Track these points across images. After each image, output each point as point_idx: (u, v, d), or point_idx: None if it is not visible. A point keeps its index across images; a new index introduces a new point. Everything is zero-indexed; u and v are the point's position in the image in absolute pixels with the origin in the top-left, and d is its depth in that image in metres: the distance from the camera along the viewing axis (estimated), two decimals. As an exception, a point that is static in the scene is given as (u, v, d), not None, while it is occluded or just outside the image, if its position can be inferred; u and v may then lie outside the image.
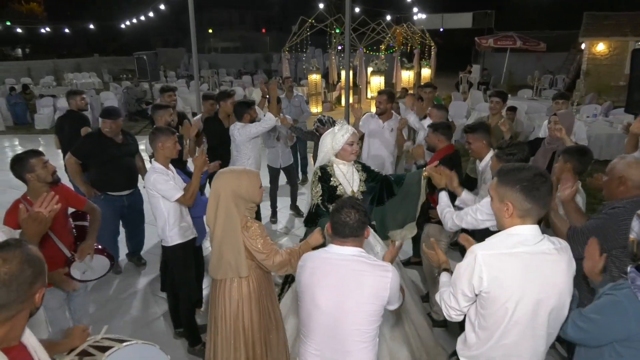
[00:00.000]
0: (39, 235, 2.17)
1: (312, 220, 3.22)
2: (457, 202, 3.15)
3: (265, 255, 2.51)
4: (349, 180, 3.23)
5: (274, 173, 6.06)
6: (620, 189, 2.42)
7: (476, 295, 1.87)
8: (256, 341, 2.64)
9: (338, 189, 3.18)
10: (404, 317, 3.15)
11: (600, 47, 17.75)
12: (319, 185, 3.19)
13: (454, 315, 2.01)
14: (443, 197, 3.01)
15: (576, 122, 5.02)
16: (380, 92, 5.30)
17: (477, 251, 1.84)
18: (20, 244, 1.42)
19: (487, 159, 3.44)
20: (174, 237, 3.39)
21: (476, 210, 2.75)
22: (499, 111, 5.24)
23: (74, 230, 3.16)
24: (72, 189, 3.37)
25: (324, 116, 5.11)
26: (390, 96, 5.08)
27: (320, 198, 3.16)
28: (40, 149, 3.13)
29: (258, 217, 5.30)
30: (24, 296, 1.37)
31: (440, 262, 2.30)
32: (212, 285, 2.72)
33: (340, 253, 2.14)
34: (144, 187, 3.39)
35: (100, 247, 3.15)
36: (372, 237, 3.22)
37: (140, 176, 4.76)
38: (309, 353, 2.21)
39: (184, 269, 3.51)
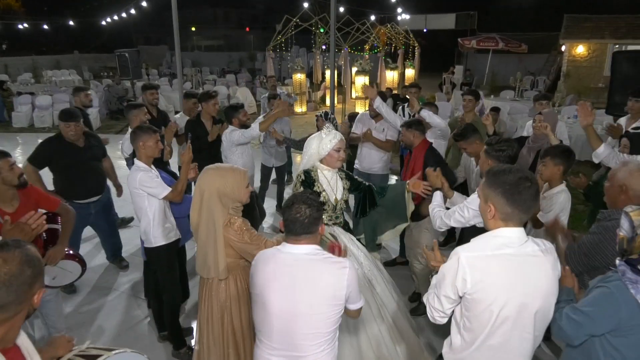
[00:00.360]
0: None
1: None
2: (447, 204, 3.16)
3: (256, 246, 2.43)
4: (332, 187, 3.18)
5: (265, 172, 6.08)
6: (622, 197, 2.37)
7: (460, 297, 1.86)
8: (246, 341, 2.60)
9: (322, 195, 3.12)
10: (383, 320, 3.06)
11: (580, 49, 18.05)
12: (302, 189, 3.12)
13: (437, 317, 1.98)
14: (437, 196, 3.01)
15: (558, 122, 5.11)
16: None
17: (461, 253, 1.83)
18: (19, 244, 1.41)
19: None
20: (157, 239, 3.32)
21: (463, 208, 2.75)
22: (472, 109, 5.37)
23: (44, 234, 2.97)
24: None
25: (328, 113, 5.03)
26: (382, 98, 5.09)
27: None
28: (19, 148, 3.04)
29: (262, 214, 5.30)
30: (23, 297, 1.37)
31: (438, 264, 2.26)
32: (200, 285, 2.67)
33: (293, 252, 2.04)
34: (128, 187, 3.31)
35: (71, 252, 3.04)
36: (355, 246, 3.18)
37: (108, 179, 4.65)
38: (264, 357, 2.13)
39: (168, 270, 3.44)
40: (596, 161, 3.62)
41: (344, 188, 3.24)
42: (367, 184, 3.44)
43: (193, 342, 3.25)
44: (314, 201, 2.08)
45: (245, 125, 4.79)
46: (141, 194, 3.21)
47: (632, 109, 4.87)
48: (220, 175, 2.47)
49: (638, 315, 1.79)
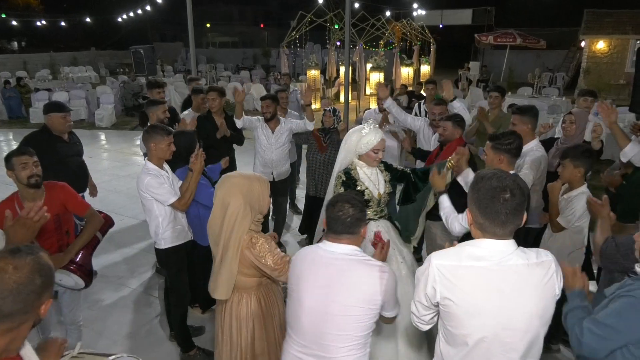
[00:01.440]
0: (23, 242, 2.06)
1: None
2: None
3: (278, 272, 2.29)
4: (374, 182, 3.09)
5: None
6: None
7: (435, 305, 1.75)
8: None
9: (365, 193, 3.02)
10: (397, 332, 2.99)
11: (601, 45, 17.69)
12: (342, 189, 3.02)
13: (417, 323, 1.89)
14: (445, 201, 2.83)
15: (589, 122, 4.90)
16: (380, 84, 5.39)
17: (433, 260, 1.72)
18: (32, 251, 1.34)
19: (530, 145, 3.47)
20: (166, 241, 3.25)
21: None
22: (498, 105, 5.24)
23: (70, 232, 2.96)
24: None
25: (337, 109, 5.02)
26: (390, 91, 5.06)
27: None
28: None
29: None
30: (30, 307, 1.30)
31: None
32: (217, 306, 2.51)
33: (332, 250, 1.99)
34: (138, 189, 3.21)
35: (78, 262, 2.91)
36: (400, 241, 3.12)
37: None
38: (291, 354, 2.07)
39: (176, 273, 3.38)
40: (624, 160, 3.47)
41: (385, 181, 3.15)
42: (407, 170, 3.33)
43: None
44: (358, 201, 2.03)
45: (163, 122, 4.39)
46: (149, 198, 3.13)
47: None
48: (246, 183, 2.31)
49: None
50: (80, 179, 4.27)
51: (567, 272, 1.94)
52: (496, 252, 1.65)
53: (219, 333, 2.49)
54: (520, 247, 1.70)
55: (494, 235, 1.66)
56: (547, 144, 4.09)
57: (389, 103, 4.59)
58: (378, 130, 3.07)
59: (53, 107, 4.04)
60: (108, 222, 3.18)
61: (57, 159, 3.96)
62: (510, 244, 1.67)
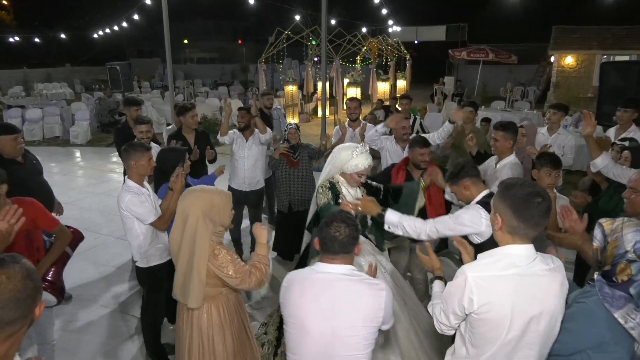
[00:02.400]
0: None
1: (316, 221, 3.07)
2: (446, 196, 3.31)
3: (239, 280, 2.35)
4: (354, 198, 3.11)
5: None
6: None
7: (467, 314, 1.83)
8: None
9: None
10: (415, 331, 3.03)
11: (569, 60, 18.30)
12: (329, 194, 3.03)
13: (445, 330, 1.98)
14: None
15: (538, 133, 5.10)
16: (351, 99, 5.60)
17: (468, 273, 1.80)
18: (15, 259, 1.40)
19: (507, 160, 3.66)
20: (149, 259, 3.25)
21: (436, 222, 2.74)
22: (472, 120, 5.36)
23: (42, 250, 2.93)
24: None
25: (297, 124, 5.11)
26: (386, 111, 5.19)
27: (326, 201, 3.01)
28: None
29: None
30: (28, 311, 1.37)
31: (434, 269, 2.23)
32: (179, 311, 2.54)
33: (330, 272, 2.00)
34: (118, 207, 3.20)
35: (49, 280, 2.89)
36: (379, 254, 3.15)
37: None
38: None
39: (154, 291, 3.37)
40: (594, 170, 3.60)
41: (363, 194, 3.20)
42: (380, 187, 3.37)
43: None
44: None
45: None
46: (130, 216, 3.12)
47: (621, 119, 4.90)
48: (206, 197, 2.36)
49: (617, 330, 1.75)
50: (44, 199, 3.89)
51: (423, 259, 2.22)
52: (523, 258, 1.78)
53: (180, 341, 2.53)
54: (539, 253, 1.84)
55: (525, 237, 1.78)
56: None
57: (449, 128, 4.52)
58: (369, 155, 3.10)
59: (2, 130, 3.76)
60: (77, 237, 3.15)
61: (14, 183, 3.57)
62: (532, 248, 1.81)
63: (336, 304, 1.95)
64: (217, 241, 2.40)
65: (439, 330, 2.01)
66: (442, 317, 1.94)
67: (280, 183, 5.02)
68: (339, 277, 1.99)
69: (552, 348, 1.90)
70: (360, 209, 2.85)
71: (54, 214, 4.08)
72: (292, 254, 5.08)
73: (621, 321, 1.73)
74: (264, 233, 2.55)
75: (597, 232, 1.89)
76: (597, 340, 1.79)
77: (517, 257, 1.78)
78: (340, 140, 5.06)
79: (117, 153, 4.93)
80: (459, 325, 1.94)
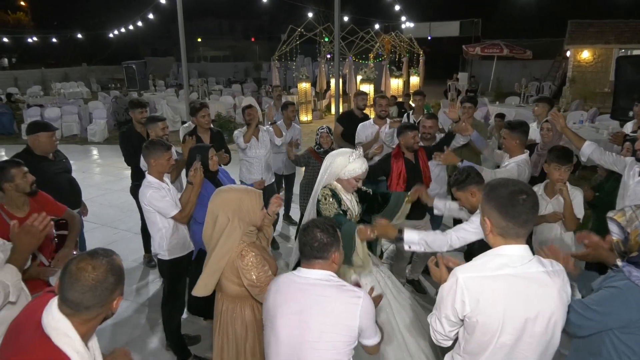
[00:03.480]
0: (30, 248, 2.15)
1: None
2: (435, 211, 3.38)
3: (259, 290, 2.31)
4: (351, 204, 3.14)
5: (276, 180, 5.91)
6: None
7: (461, 319, 1.81)
8: None
9: (347, 213, 3.04)
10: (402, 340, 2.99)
11: (585, 54, 18.06)
12: (335, 203, 3.01)
13: (440, 340, 1.93)
14: (412, 235, 2.84)
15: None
16: (382, 97, 5.63)
17: (459, 274, 1.77)
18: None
19: (517, 158, 3.68)
20: (171, 252, 3.34)
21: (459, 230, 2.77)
22: (471, 115, 5.43)
23: (56, 239, 3.10)
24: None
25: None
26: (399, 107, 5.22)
27: (336, 212, 3.00)
28: (28, 160, 3.08)
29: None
30: (104, 301, 1.54)
31: (442, 280, 2.17)
32: (216, 309, 2.56)
33: (306, 277, 1.98)
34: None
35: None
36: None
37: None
38: None
39: (175, 283, 3.46)
40: (583, 159, 3.64)
41: (356, 202, 3.21)
42: (370, 192, 3.39)
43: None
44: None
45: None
46: (152, 210, 3.22)
47: (639, 114, 4.87)
48: (235, 197, 2.36)
49: None
50: (72, 196, 4.15)
51: (433, 270, 2.12)
52: (517, 258, 1.75)
53: (216, 340, 2.56)
54: (536, 255, 1.81)
55: (516, 236, 1.76)
56: (528, 149, 4.31)
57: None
58: (365, 160, 3.11)
59: (40, 127, 3.90)
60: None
61: (45, 179, 3.75)
62: (527, 249, 1.78)
63: (306, 307, 1.92)
64: (248, 241, 2.39)
65: (435, 341, 1.96)
66: (437, 324, 1.89)
67: (310, 180, 4.70)
68: (314, 282, 1.96)
69: (577, 323, 1.88)
70: (377, 233, 2.83)
71: (77, 211, 4.21)
72: None
73: None
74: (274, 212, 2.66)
75: (612, 226, 1.90)
76: (625, 321, 1.83)
77: (509, 257, 1.76)
78: (374, 141, 5.11)
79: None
80: (457, 334, 1.90)
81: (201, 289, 2.44)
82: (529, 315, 1.72)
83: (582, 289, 2.15)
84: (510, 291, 1.72)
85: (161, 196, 3.17)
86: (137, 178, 3.33)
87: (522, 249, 1.77)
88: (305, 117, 14.88)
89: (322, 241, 1.98)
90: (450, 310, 1.80)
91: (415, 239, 2.79)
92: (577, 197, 3.27)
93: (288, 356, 1.97)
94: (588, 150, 3.55)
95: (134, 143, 4.73)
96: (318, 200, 3.07)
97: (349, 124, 5.70)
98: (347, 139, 5.60)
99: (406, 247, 2.82)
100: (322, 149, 4.78)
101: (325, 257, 1.99)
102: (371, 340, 2.02)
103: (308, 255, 2.00)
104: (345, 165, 3.00)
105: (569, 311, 1.87)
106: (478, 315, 1.73)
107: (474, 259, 1.85)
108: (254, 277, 2.30)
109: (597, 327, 1.90)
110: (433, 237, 2.80)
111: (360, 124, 5.52)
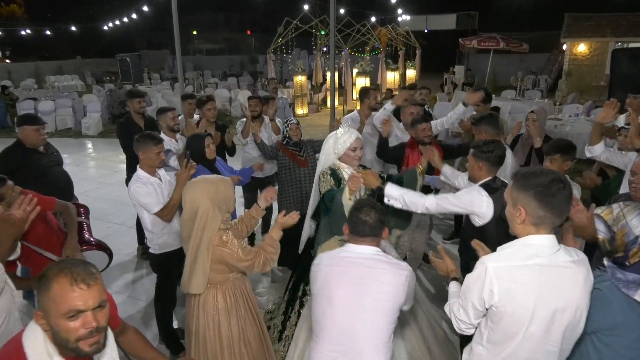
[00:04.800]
0: (11, 238, 2.10)
1: (320, 208, 3.16)
2: (442, 177, 3.38)
3: (249, 262, 2.44)
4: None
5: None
6: None
7: (487, 309, 1.80)
8: (237, 353, 2.58)
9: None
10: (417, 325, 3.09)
11: (582, 47, 18.04)
12: (331, 180, 3.08)
13: (464, 329, 1.93)
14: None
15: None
16: (372, 89, 5.45)
17: (488, 263, 1.75)
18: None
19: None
20: (161, 246, 3.32)
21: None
22: (483, 110, 5.32)
23: (62, 227, 3.07)
24: None
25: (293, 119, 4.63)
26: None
27: (330, 187, 3.06)
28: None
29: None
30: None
31: (449, 271, 2.20)
32: (187, 301, 2.63)
33: (358, 252, 2.13)
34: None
35: (92, 241, 3.10)
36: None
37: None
38: (321, 353, 2.17)
39: (165, 277, 3.44)
40: (588, 155, 3.62)
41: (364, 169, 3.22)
42: (383, 174, 3.40)
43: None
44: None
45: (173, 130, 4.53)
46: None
47: (631, 105, 4.89)
48: (212, 186, 2.43)
49: (631, 315, 1.77)
50: (65, 189, 4.11)
51: (437, 263, 2.23)
52: (546, 248, 1.73)
53: (189, 325, 2.60)
54: (562, 245, 1.79)
55: (552, 226, 1.74)
56: (514, 140, 4.48)
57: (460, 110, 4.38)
58: (353, 130, 3.17)
59: (26, 120, 3.87)
60: (83, 208, 3.36)
61: (36, 172, 3.84)
62: (554, 239, 1.76)
63: (364, 278, 2.07)
64: (224, 228, 2.45)
65: (458, 330, 1.96)
66: (462, 313, 1.89)
67: (288, 185, 4.45)
68: (366, 256, 2.12)
69: None
70: (362, 180, 2.90)
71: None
72: (289, 260, 4.34)
73: None
74: (289, 222, 2.66)
75: (599, 224, 1.86)
76: (609, 324, 1.80)
77: (539, 247, 1.74)
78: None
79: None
80: (479, 323, 1.89)
81: (197, 287, 2.45)
82: (558, 305, 1.71)
83: None
84: (540, 281, 1.71)
85: (146, 192, 3.12)
86: (133, 170, 3.30)
87: (550, 239, 1.75)
88: (301, 110, 14.83)
89: (380, 219, 2.14)
90: (477, 300, 1.79)
91: (395, 194, 2.81)
92: (575, 194, 3.23)
93: (343, 321, 2.10)
94: (598, 150, 3.51)
95: (131, 133, 4.66)
96: (319, 180, 3.18)
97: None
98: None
99: (385, 200, 2.85)
100: (291, 142, 4.41)
101: (378, 235, 2.16)
102: (408, 305, 2.23)
103: (362, 233, 2.13)
104: (335, 141, 3.12)
105: None
106: (507, 304, 1.72)
107: (498, 248, 1.83)
108: (241, 254, 2.41)
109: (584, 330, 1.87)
110: (412, 195, 2.80)
111: (345, 117, 5.48)
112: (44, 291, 1.40)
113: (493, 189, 2.73)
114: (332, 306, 2.12)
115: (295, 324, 3.25)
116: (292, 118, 4.55)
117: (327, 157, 3.19)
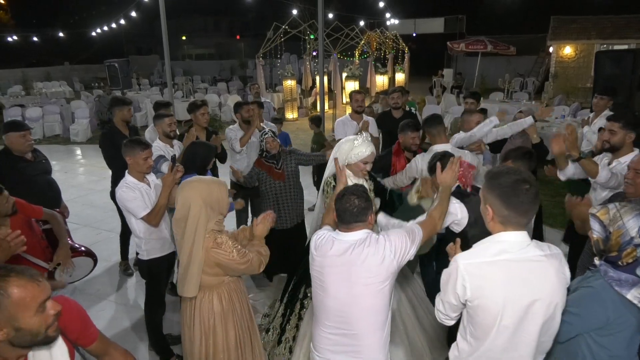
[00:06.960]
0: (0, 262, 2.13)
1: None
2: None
3: (245, 263, 2.43)
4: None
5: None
6: None
7: (463, 303, 1.85)
8: (232, 357, 2.58)
9: None
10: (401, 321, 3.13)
11: (568, 50, 18.27)
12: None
13: (443, 319, 2.01)
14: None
15: None
16: (358, 92, 5.58)
17: (459, 260, 1.82)
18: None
19: (440, 147, 3.57)
20: (149, 252, 3.30)
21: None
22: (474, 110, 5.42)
23: (44, 235, 3.08)
24: None
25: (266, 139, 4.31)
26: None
27: None
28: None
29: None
30: None
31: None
32: (182, 305, 2.61)
33: (346, 240, 2.15)
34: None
35: (78, 247, 3.18)
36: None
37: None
38: (321, 336, 2.26)
39: (155, 284, 3.43)
40: (563, 179, 3.54)
41: (369, 189, 3.21)
42: (386, 187, 3.44)
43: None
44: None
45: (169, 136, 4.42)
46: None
47: (597, 105, 5.01)
48: (205, 187, 2.41)
49: (624, 312, 1.80)
50: (51, 198, 4.03)
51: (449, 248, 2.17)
52: (515, 244, 1.79)
53: (184, 329, 2.60)
54: (534, 240, 1.84)
55: (517, 225, 1.79)
56: (500, 143, 4.46)
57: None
58: (370, 143, 3.12)
59: (11, 127, 3.81)
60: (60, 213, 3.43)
61: (22, 180, 3.78)
62: (525, 235, 1.81)
63: (351, 266, 2.10)
64: (218, 229, 2.45)
65: (439, 320, 2.04)
66: (440, 305, 1.97)
67: (266, 199, 4.32)
68: (354, 244, 2.13)
69: (562, 330, 1.89)
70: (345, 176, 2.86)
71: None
72: (272, 274, 4.61)
73: (635, 302, 1.78)
74: (267, 227, 2.67)
75: (593, 224, 1.89)
76: (602, 322, 1.83)
77: (507, 243, 1.79)
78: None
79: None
80: (461, 319, 1.94)
81: (191, 290, 2.45)
82: (529, 299, 1.75)
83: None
84: (509, 275, 1.76)
85: (132, 197, 3.11)
86: (116, 183, 3.27)
87: (521, 235, 1.80)
88: (291, 114, 14.85)
89: (360, 206, 2.14)
90: (452, 295, 1.86)
91: (382, 222, 2.79)
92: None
93: (338, 307, 2.16)
94: (570, 170, 3.43)
95: (115, 144, 4.57)
96: (323, 190, 3.18)
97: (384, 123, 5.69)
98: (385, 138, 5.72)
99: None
100: (270, 154, 4.23)
101: (364, 220, 2.16)
102: (407, 257, 2.18)
103: (348, 220, 2.15)
104: (351, 149, 3.07)
105: None
106: (479, 299, 1.78)
107: (473, 245, 1.88)
108: (237, 256, 2.39)
109: (575, 330, 1.91)
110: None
111: (338, 120, 5.58)
112: (3, 301, 1.43)
113: (463, 195, 2.79)
114: (326, 294, 2.18)
115: (296, 327, 3.26)
116: (266, 130, 4.33)
117: (340, 157, 3.07)
